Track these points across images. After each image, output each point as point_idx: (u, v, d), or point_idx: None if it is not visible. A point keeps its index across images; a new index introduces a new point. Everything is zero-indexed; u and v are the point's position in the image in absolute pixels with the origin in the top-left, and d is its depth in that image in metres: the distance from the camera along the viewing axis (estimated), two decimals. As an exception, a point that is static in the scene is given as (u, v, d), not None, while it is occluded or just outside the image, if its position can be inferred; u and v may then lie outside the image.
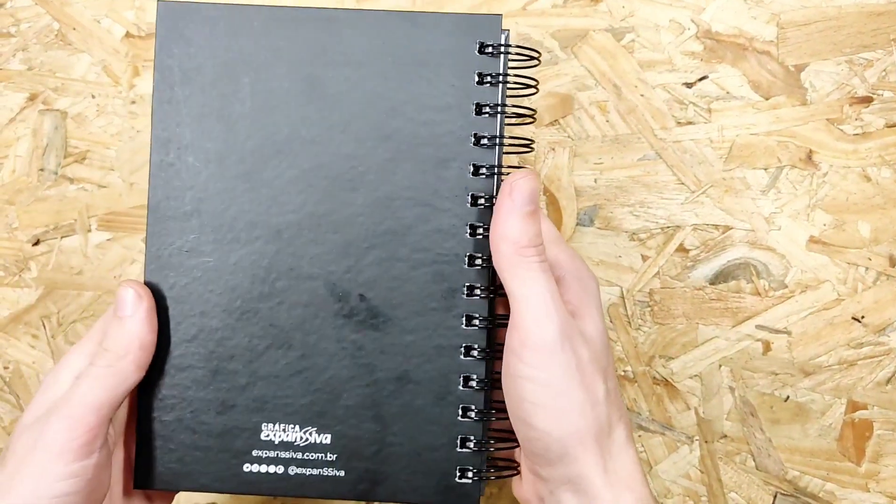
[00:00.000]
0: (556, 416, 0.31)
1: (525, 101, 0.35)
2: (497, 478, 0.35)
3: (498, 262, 0.32)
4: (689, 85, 0.45)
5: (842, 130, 0.44)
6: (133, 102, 0.46)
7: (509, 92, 0.34)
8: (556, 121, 0.45)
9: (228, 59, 0.34)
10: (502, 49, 0.33)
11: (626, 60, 0.45)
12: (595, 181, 0.45)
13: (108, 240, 0.46)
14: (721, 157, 0.44)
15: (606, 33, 0.45)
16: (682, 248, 0.44)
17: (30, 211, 0.46)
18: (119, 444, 0.34)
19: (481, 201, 0.34)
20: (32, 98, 0.46)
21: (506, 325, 0.32)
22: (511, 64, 0.34)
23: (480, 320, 0.34)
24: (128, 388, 0.32)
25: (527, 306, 0.31)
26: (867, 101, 0.44)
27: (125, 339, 0.32)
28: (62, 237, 0.46)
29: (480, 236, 0.34)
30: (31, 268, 0.46)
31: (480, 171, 0.34)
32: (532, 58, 0.34)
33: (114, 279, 0.45)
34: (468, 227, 0.34)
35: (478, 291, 0.34)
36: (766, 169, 0.44)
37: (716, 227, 0.44)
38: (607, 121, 0.45)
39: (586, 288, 0.34)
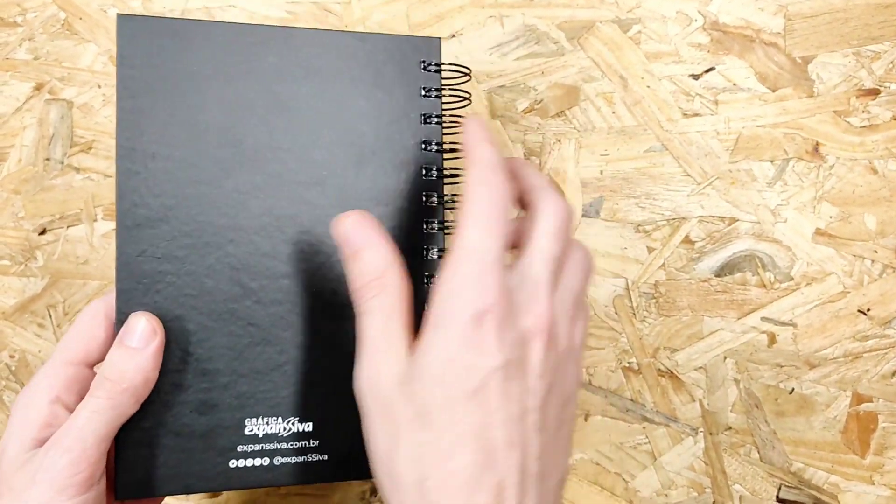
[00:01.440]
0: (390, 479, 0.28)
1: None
2: None
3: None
4: (695, 76, 0.44)
5: (848, 123, 0.44)
6: (139, 92, 0.46)
7: (449, 102, 0.38)
8: (561, 112, 0.45)
9: (192, 71, 0.34)
10: (439, 68, 0.37)
11: (633, 52, 0.45)
12: (601, 173, 0.45)
13: (114, 229, 0.46)
14: (727, 149, 0.44)
15: (613, 24, 0.45)
16: (687, 240, 0.44)
17: (36, 200, 0.46)
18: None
19: (433, 200, 0.36)
20: (39, 88, 0.46)
21: None
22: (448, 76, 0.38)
23: None
24: (124, 420, 0.31)
25: (361, 346, 0.29)
26: (874, 93, 0.44)
27: (130, 372, 0.31)
28: (68, 227, 0.46)
29: (434, 230, 0.36)
30: (37, 257, 0.46)
31: (431, 173, 0.36)
32: (463, 73, 0.38)
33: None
34: (424, 223, 0.36)
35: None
36: (772, 161, 0.44)
37: (721, 219, 0.44)
38: (613, 112, 0.45)
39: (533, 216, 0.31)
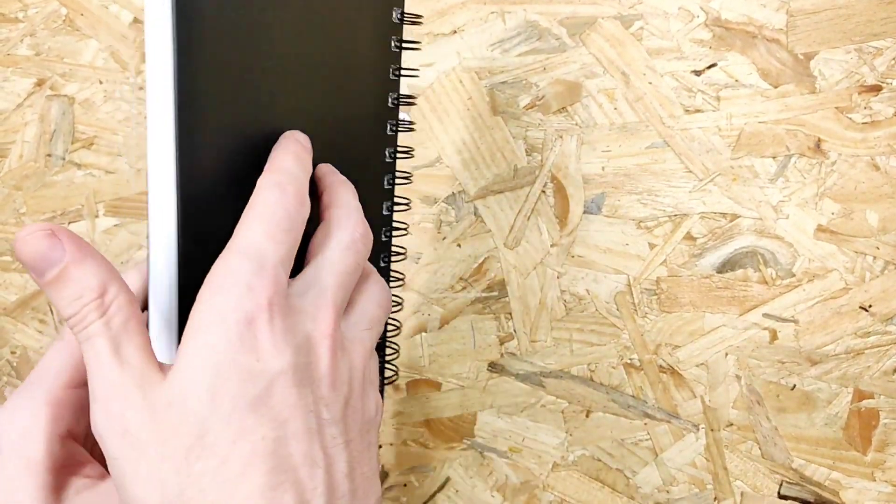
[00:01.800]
0: None
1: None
2: (388, 383, 0.41)
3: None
4: (697, 73, 0.44)
5: (850, 119, 0.44)
6: (141, 88, 0.46)
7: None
8: (563, 108, 0.45)
9: (254, 19, 0.27)
10: (407, 18, 0.36)
11: (635, 48, 0.45)
12: (602, 169, 0.45)
13: (116, 225, 0.46)
14: (729, 146, 0.44)
15: (615, 21, 0.45)
16: (689, 237, 0.44)
17: (37, 196, 0.46)
18: None
19: (393, 155, 0.37)
20: (40, 84, 0.46)
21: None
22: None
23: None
24: None
25: (92, 383, 0.24)
26: (876, 89, 0.44)
27: None
28: (69, 223, 0.46)
29: (389, 187, 0.37)
30: (38, 253, 0.46)
31: (394, 127, 0.37)
32: (415, 22, 0.37)
33: (121, 265, 0.45)
34: (384, 179, 0.37)
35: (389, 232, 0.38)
36: (774, 157, 0.44)
37: (723, 215, 0.44)
38: (615, 108, 0.45)
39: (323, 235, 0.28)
